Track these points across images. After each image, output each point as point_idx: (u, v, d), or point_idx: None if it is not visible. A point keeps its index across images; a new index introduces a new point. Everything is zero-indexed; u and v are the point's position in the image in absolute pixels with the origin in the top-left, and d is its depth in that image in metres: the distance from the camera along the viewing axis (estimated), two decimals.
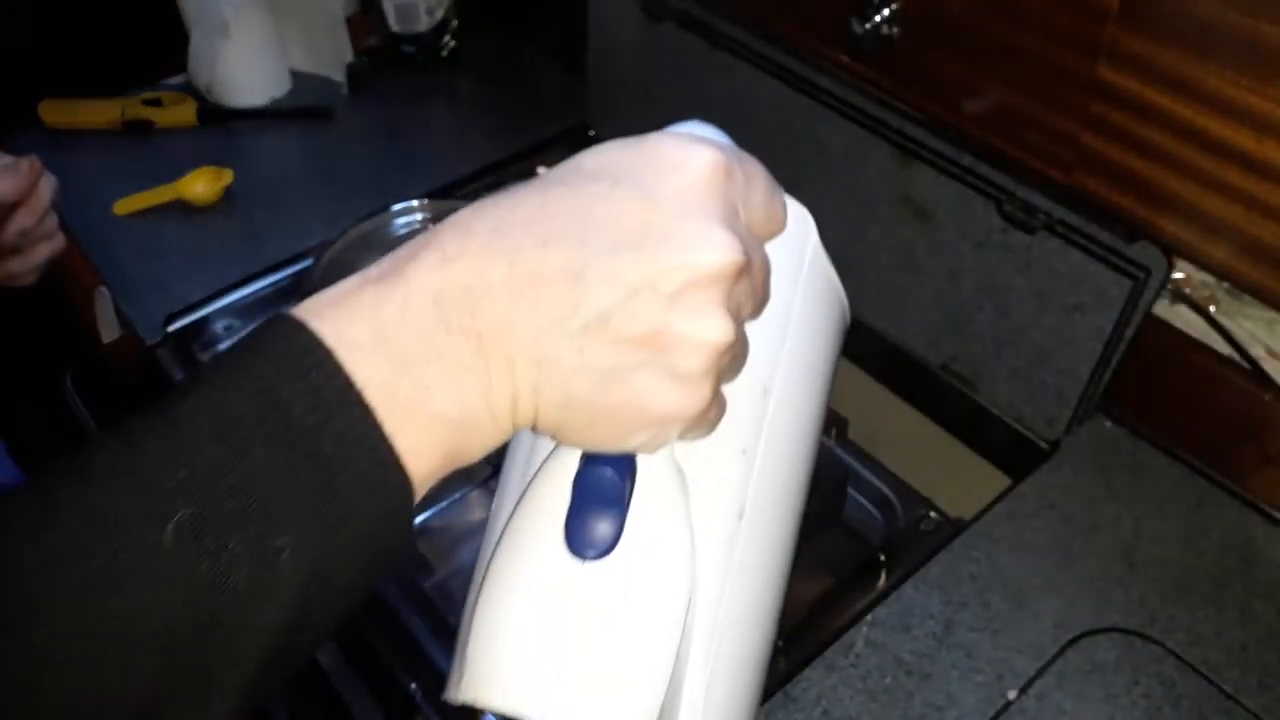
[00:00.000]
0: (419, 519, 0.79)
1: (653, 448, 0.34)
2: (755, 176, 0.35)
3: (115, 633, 0.26)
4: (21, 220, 0.73)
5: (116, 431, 0.28)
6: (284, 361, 0.28)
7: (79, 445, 0.28)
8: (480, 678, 0.35)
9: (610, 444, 0.34)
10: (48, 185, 0.75)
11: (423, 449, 0.30)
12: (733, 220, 0.33)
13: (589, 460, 0.35)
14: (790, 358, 0.40)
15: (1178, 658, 0.64)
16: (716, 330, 0.31)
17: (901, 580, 0.68)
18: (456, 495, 0.81)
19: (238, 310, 0.93)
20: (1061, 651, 0.64)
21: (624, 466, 0.35)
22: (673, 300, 0.31)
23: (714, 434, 0.37)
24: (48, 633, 0.25)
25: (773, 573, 0.41)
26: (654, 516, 0.36)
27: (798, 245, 0.42)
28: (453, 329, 0.30)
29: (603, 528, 0.35)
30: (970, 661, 0.63)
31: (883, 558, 0.77)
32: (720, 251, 0.31)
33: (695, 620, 0.37)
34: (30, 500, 0.27)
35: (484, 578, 0.37)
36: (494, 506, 0.40)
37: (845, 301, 0.46)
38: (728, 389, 0.36)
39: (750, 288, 0.33)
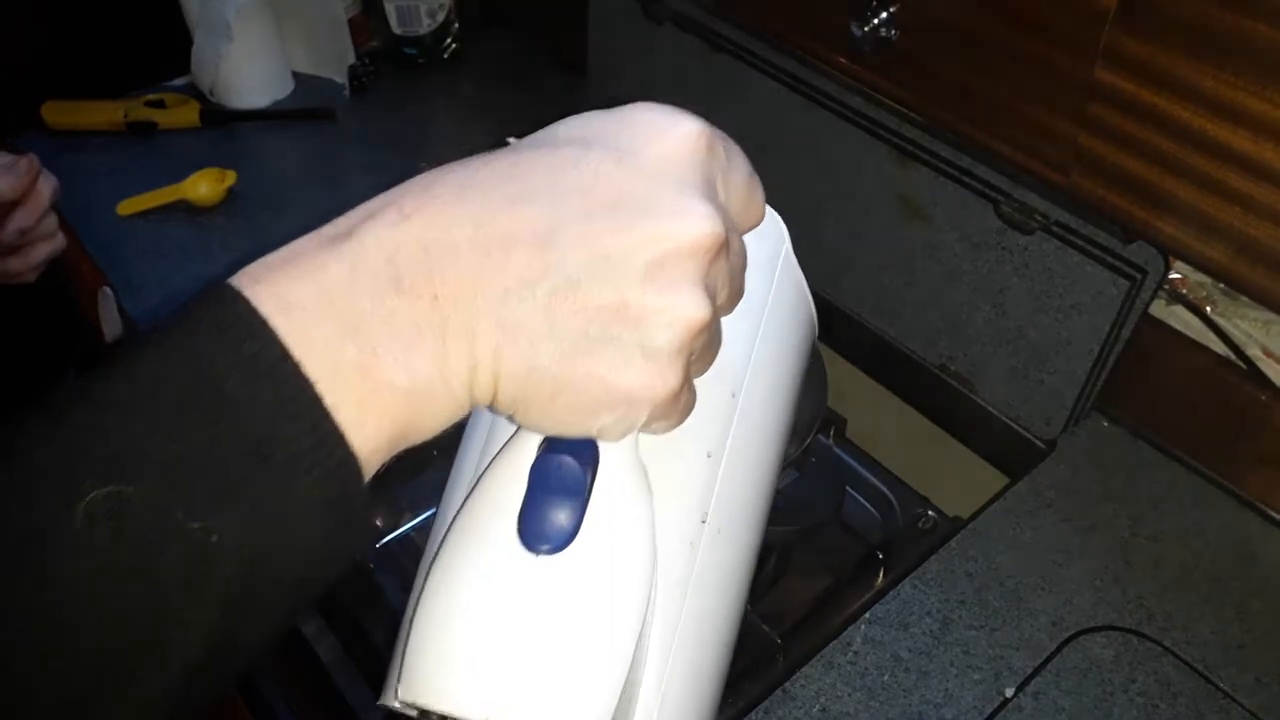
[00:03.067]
0: (420, 518, 0.79)
1: (618, 433, 0.32)
2: (737, 158, 0.33)
3: (39, 620, 0.24)
4: (20, 219, 0.73)
5: (43, 406, 0.26)
6: (216, 331, 0.26)
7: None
8: (421, 677, 0.32)
9: (573, 424, 0.31)
10: (47, 184, 0.75)
11: (369, 421, 0.27)
12: (713, 195, 0.31)
13: (549, 448, 0.33)
14: (759, 364, 0.39)
15: (1175, 656, 0.64)
16: (692, 306, 0.29)
17: (900, 578, 0.69)
18: None
19: None
20: (1059, 649, 0.64)
21: (585, 455, 0.32)
22: (648, 272, 0.29)
23: (680, 435, 0.34)
24: None
25: (735, 580, 0.39)
26: (615, 513, 0.33)
27: (771, 251, 0.41)
28: (404, 289, 0.27)
29: (559, 520, 0.32)
30: (968, 659, 0.64)
31: (881, 556, 0.78)
32: (701, 223, 0.29)
33: (653, 626, 0.34)
34: None
35: (428, 571, 0.34)
36: (444, 498, 0.38)
37: (814, 315, 0.45)
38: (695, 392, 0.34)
39: (727, 272, 0.31)
